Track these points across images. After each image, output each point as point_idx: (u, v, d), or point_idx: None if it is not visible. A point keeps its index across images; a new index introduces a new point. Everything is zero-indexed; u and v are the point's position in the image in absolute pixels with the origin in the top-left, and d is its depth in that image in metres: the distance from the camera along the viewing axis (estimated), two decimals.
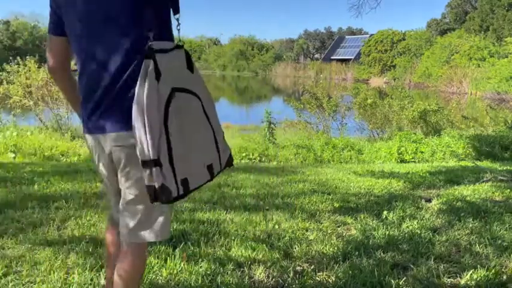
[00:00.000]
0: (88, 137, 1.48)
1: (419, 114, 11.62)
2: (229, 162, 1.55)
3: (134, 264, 1.44)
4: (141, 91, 1.25)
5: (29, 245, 2.49)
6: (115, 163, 1.41)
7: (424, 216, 3.24)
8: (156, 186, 1.25)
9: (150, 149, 1.24)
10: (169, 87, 1.29)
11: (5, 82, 10.99)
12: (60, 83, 1.62)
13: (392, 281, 2.11)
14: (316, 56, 72.07)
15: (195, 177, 1.37)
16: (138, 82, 1.27)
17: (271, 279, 2.16)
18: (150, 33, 1.30)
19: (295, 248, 2.55)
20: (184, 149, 1.32)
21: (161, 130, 1.26)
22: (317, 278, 2.17)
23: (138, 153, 1.26)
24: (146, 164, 1.25)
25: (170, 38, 1.41)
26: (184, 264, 2.26)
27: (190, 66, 1.40)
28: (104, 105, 1.37)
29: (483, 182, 4.71)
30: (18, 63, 11.14)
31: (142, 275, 1.63)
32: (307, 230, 2.92)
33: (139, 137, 1.25)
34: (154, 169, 1.25)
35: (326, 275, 2.22)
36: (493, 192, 4.13)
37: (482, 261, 2.38)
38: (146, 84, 1.25)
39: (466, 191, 4.21)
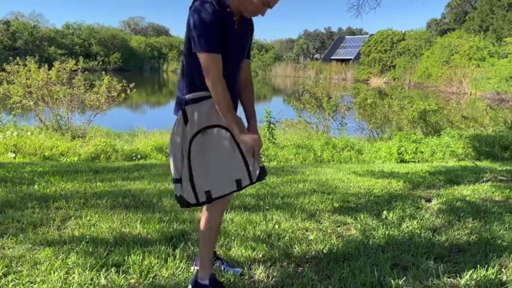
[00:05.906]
0: None
1: (419, 114, 11.61)
2: (261, 177, 1.91)
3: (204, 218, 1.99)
4: (173, 130, 1.81)
5: (29, 245, 2.49)
6: None
7: (424, 216, 3.24)
8: (177, 196, 1.83)
9: (173, 172, 1.83)
10: (196, 128, 1.76)
11: (5, 82, 10.96)
12: None
13: (392, 281, 2.11)
14: (316, 56, 71.92)
15: (219, 189, 1.83)
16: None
17: (271, 279, 2.16)
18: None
19: (295, 248, 2.55)
20: (207, 170, 1.79)
21: (183, 158, 1.78)
22: (317, 278, 2.17)
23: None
24: (173, 180, 1.84)
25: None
26: (184, 264, 2.27)
27: None
28: None
29: (483, 182, 4.71)
30: (18, 63, 11.10)
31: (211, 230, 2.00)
32: (307, 230, 2.93)
33: (171, 162, 1.84)
34: (175, 184, 1.84)
35: (326, 275, 2.22)
36: (492, 192, 4.13)
37: (482, 261, 2.38)
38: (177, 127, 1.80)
39: (466, 191, 4.21)
